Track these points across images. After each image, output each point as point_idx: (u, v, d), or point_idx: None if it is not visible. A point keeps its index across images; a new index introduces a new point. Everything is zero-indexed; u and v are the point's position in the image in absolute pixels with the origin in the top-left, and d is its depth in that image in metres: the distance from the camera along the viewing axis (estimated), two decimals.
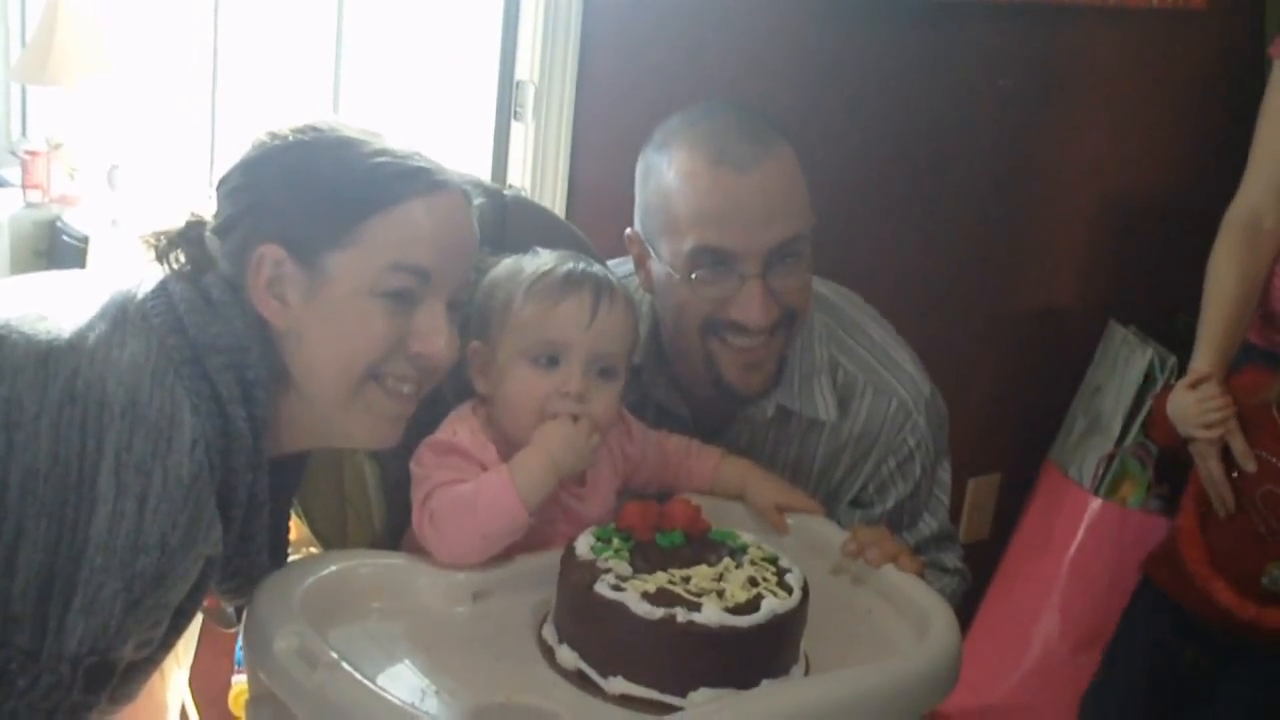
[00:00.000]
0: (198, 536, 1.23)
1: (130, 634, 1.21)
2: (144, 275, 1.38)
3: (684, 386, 1.85)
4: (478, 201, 1.46)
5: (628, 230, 1.82)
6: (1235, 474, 2.20)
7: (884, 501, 1.87)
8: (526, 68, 2.44)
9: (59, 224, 3.29)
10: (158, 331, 1.28)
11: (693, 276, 1.70)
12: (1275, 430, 2.14)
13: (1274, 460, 2.13)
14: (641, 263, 1.80)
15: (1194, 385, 2.24)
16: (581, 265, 1.55)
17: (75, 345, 1.24)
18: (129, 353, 1.25)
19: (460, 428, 1.51)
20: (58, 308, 1.29)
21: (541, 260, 1.55)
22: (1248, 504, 2.18)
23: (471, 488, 1.44)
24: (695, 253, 1.70)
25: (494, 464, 1.47)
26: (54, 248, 3.27)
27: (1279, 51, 2.46)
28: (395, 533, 1.56)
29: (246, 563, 1.38)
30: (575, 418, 1.49)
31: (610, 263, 1.82)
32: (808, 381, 1.82)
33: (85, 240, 3.13)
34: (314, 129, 1.39)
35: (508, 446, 1.49)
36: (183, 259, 1.39)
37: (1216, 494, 2.21)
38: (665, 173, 1.73)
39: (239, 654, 2.35)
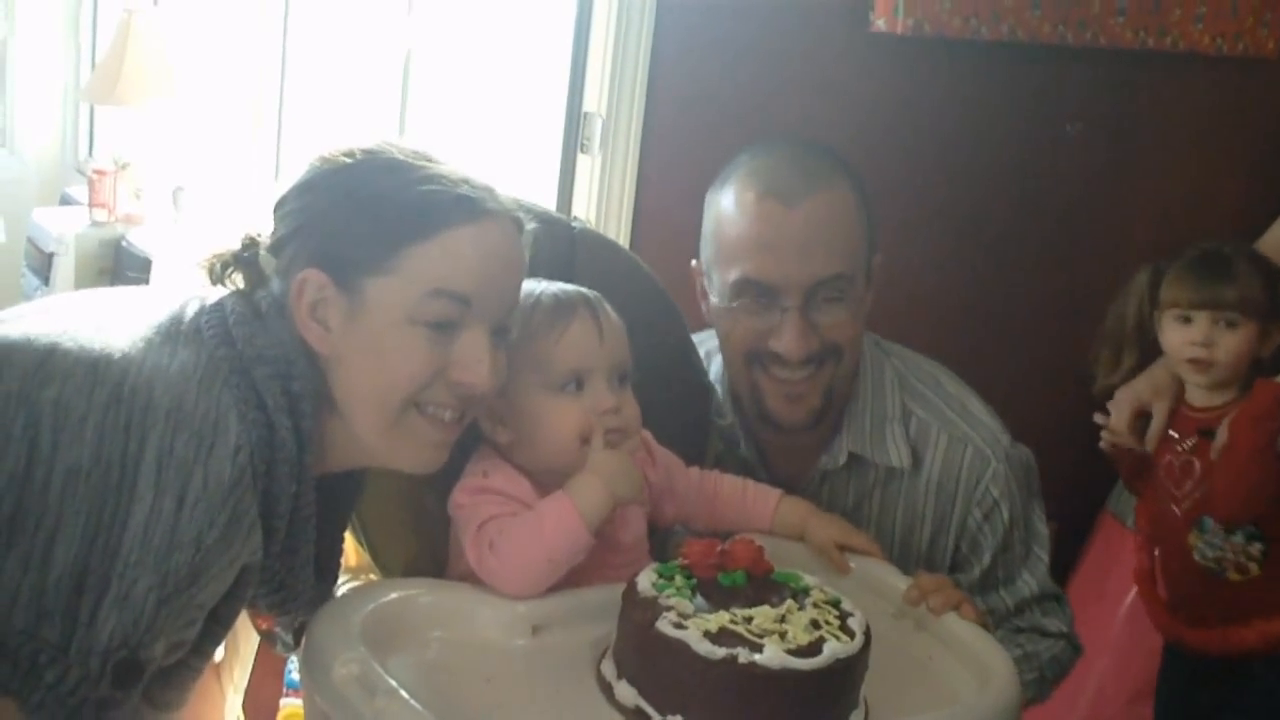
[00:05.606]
0: (235, 539, 1.23)
1: (161, 632, 1.20)
2: (202, 292, 1.38)
3: (758, 438, 1.85)
4: (530, 227, 1.45)
5: (693, 262, 1.84)
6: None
7: (980, 559, 1.84)
8: (594, 100, 2.45)
9: (124, 243, 3.33)
10: (208, 344, 1.29)
11: (734, 305, 1.73)
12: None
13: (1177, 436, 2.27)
14: (703, 295, 1.82)
15: None
16: (556, 287, 1.54)
17: (126, 354, 1.24)
18: (178, 361, 1.26)
19: (488, 468, 1.51)
20: (114, 320, 1.30)
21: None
22: (1161, 476, 2.29)
23: (535, 513, 1.44)
24: (739, 283, 1.72)
25: (531, 498, 1.47)
26: (118, 266, 3.30)
27: None
28: None
29: (291, 577, 1.37)
30: (615, 432, 1.49)
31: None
32: (879, 428, 1.81)
33: (149, 259, 3.16)
34: (366, 152, 1.38)
35: (538, 482, 1.49)
36: (240, 280, 1.40)
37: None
38: (721, 204, 1.76)
39: (289, 677, 2.35)
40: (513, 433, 1.51)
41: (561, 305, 1.51)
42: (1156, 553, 2.39)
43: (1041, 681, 1.85)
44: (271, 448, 1.28)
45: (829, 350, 1.74)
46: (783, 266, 1.70)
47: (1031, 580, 1.87)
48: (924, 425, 1.82)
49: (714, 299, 1.77)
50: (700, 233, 1.83)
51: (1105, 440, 2.37)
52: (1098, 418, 2.37)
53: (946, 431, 1.82)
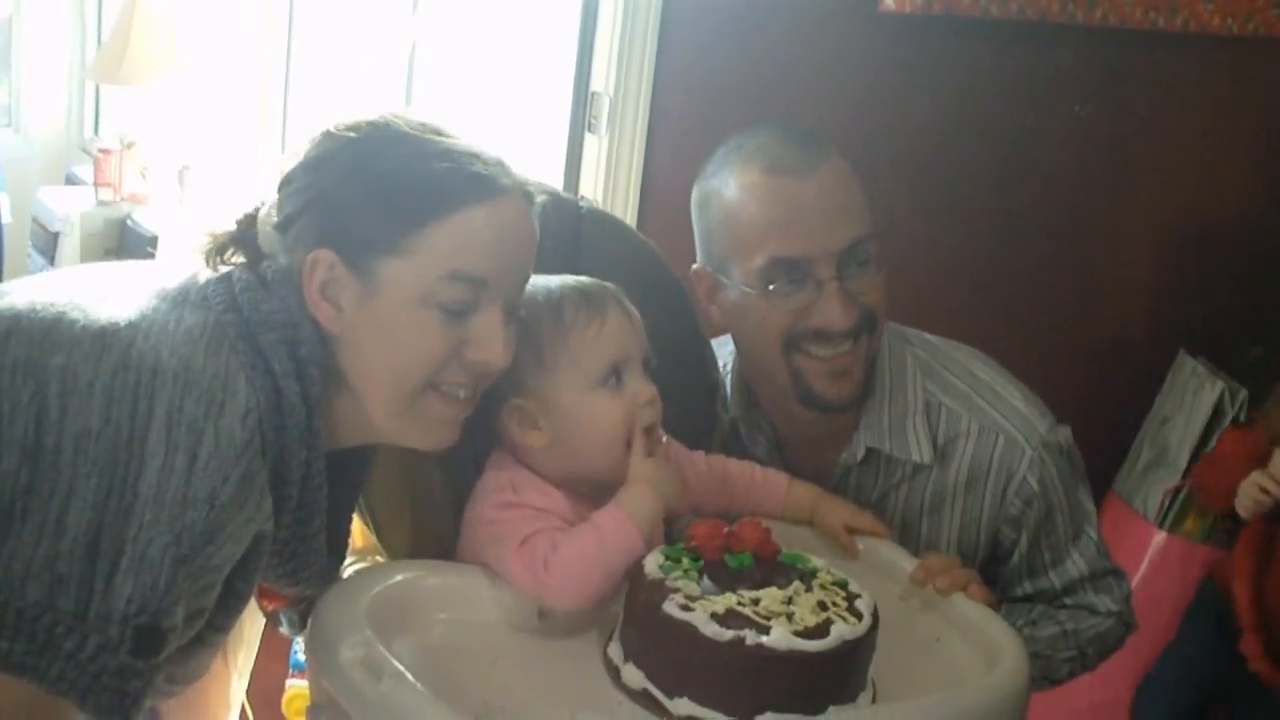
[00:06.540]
0: (248, 500, 1.22)
1: (180, 595, 1.19)
2: (207, 266, 1.38)
3: (778, 435, 1.83)
4: (540, 199, 1.42)
5: (693, 267, 1.78)
6: None
7: (1023, 544, 1.81)
8: (602, 79, 2.44)
9: (129, 222, 3.32)
10: (214, 309, 1.28)
11: (770, 288, 1.67)
12: None
13: None
14: (711, 296, 1.76)
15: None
16: (572, 280, 1.52)
17: (132, 321, 1.24)
18: (184, 326, 1.25)
19: (516, 481, 1.48)
20: (118, 290, 1.29)
21: (537, 294, 1.48)
22: None
23: (591, 527, 1.41)
24: (769, 266, 1.67)
25: (565, 511, 1.45)
26: (124, 245, 3.30)
27: None
28: None
29: (304, 546, 1.37)
30: (652, 430, 1.47)
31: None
32: (900, 422, 1.77)
33: (154, 239, 3.16)
34: (372, 125, 1.35)
35: (570, 492, 1.47)
36: (240, 259, 1.38)
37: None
38: (725, 194, 1.70)
39: (293, 658, 2.36)
40: (549, 435, 1.47)
41: (592, 298, 1.49)
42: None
43: (1082, 658, 1.82)
44: (280, 413, 1.28)
45: (867, 318, 1.70)
46: (812, 237, 1.66)
47: (1081, 561, 1.83)
48: (954, 415, 1.78)
49: (735, 293, 1.71)
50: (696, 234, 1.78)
51: (1252, 507, 2.27)
52: (1258, 487, 2.26)
53: (977, 421, 1.77)
